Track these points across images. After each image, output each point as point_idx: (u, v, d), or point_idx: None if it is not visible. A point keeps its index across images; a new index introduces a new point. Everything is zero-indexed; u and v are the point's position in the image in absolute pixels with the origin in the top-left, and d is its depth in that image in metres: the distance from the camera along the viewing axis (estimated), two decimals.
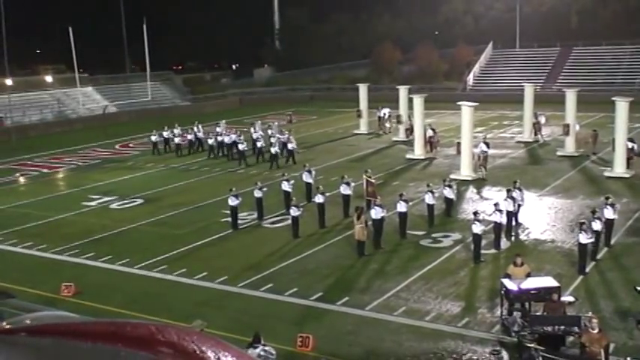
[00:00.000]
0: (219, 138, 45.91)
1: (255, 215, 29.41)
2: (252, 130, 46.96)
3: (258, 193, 29.10)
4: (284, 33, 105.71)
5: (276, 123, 49.47)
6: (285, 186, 30.22)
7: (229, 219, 28.40)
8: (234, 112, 69.74)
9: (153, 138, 48.32)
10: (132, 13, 79.67)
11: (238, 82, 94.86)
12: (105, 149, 51.86)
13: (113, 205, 33.70)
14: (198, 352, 1.69)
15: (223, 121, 52.36)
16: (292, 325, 18.32)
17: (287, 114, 56.93)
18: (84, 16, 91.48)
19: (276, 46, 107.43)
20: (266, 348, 14.17)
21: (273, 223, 28.95)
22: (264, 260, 24.22)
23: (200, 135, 48.49)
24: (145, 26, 62.28)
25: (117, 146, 53.21)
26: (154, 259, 24.70)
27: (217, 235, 27.51)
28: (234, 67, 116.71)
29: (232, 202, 27.84)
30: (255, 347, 14.06)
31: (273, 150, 40.96)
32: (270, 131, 46.29)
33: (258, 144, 43.21)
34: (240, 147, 42.64)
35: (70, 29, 60.11)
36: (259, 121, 50.84)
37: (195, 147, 48.00)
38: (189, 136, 48.39)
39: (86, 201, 34.67)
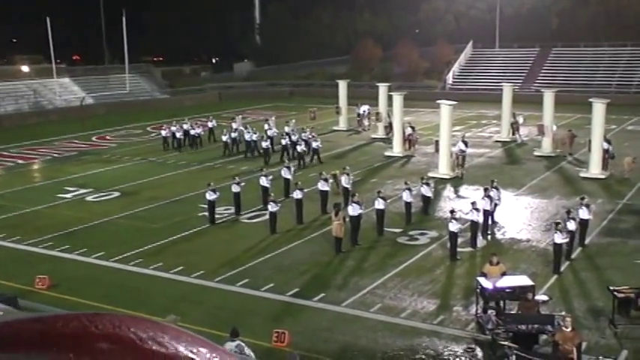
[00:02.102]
0: (234, 134, 44.32)
1: (233, 210, 29.33)
2: (265, 126, 46.03)
3: (235, 188, 29.02)
4: (265, 28, 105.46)
5: (294, 120, 48.05)
6: (264, 181, 30.20)
7: (206, 213, 28.31)
8: (213, 107, 69.43)
9: (163, 133, 46.90)
10: (111, 4, 79.14)
11: (218, 77, 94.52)
12: (81, 141, 51.43)
13: (89, 198, 33.45)
14: (136, 339, 1.60)
15: (239, 117, 51.23)
16: (268, 321, 18.31)
17: (310, 110, 55.91)
18: (62, 5, 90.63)
19: (256, 40, 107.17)
20: (242, 344, 14.14)
21: (250, 218, 28.90)
22: (241, 255, 24.18)
23: (197, 131, 46.94)
24: (124, 18, 61.89)
25: (94, 138, 52.79)
26: (130, 253, 24.56)
27: (194, 230, 27.41)
28: (214, 60, 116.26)
29: (210, 196, 27.74)
30: (233, 341, 14.04)
31: (299, 148, 39.62)
32: (287, 128, 44.21)
33: (283, 141, 41.49)
34: (264, 145, 41.11)
35: (48, 19, 59.58)
36: (273, 117, 50.18)
37: (198, 142, 46.60)
38: (198, 129, 47.07)
39: (62, 193, 34.38)
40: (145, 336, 1.60)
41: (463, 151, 36.77)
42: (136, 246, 25.33)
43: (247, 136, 43.30)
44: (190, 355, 1.62)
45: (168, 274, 22.59)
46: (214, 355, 1.66)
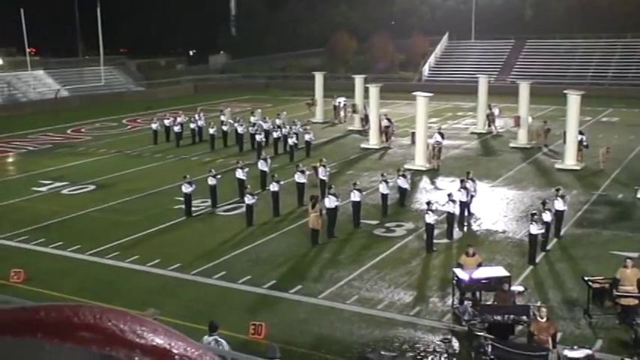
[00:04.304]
0: (225, 127, 43.29)
1: (209, 203, 29.23)
2: (252, 119, 45.42)
3: (212, 181, 28.92)
4: (240, 20, 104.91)
5: (285, 112, 47.24)
6: (240, 174, 30.11)
7: (183, 206, 28.17)
8: (188, 99, 69.09)
9: (153, 126, 45.34)
10: None
11: (193, 69, 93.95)
12: (56, 134, 50.92)
13: (64, 191, 33.16)
14: (116, 331, 1.62)
15: (228, 109, 50.45)
16: (245, 313, 18.28)
17: (306, 102, 55.30)
18: None
19: (232, 32, 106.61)
20: (219, 339, 14.04)
21: (227, 210, 28.82)
22: (218, 248, 24.12)
23: (201, 123, 45.20)
24: (99, 9, 61.31)
25: (69, 131, 52.28)
26: (106, 246, 24.38)
27: (170, 223, 27.27)
28: (190, 53, 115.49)
29: (186, 189, 27.62)
30: (211, 335, 13.96)
31: (290, 141, 38.90)
32: (278, 120, 43.29)
33: (275, 134, 40.76)
34: (258, 138, 40.16)
35: (22, 11, 58.89)
36: (259, 110, 49.58)
37: (195, 136, 44.79)
38: (192, 125, 44.90)
39: (36, 186, 34.04)
40: (124, 328, 1.62)
41: (439, 143, 36.91)
42: (112, 239, 25.14)
43: (240, 129, 42.22)
44: (168, 347, 1.63)
45: (145, 266, 22.48)
46: (191, 349, 1.67)
